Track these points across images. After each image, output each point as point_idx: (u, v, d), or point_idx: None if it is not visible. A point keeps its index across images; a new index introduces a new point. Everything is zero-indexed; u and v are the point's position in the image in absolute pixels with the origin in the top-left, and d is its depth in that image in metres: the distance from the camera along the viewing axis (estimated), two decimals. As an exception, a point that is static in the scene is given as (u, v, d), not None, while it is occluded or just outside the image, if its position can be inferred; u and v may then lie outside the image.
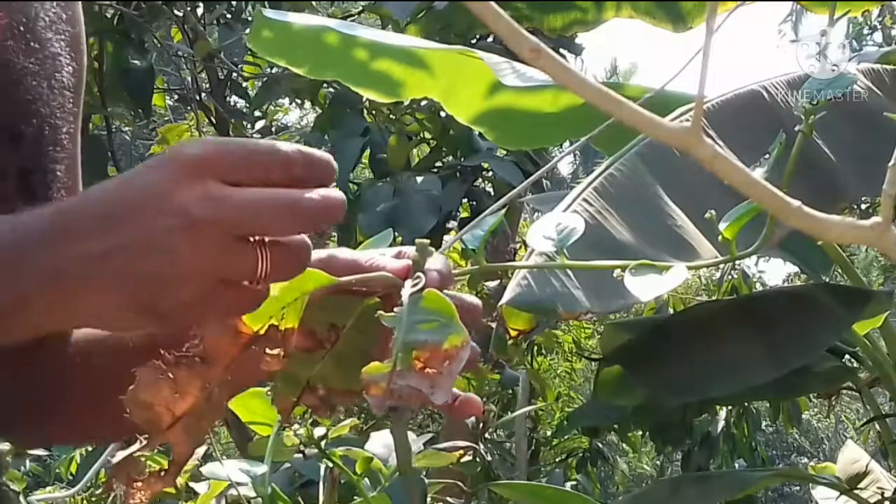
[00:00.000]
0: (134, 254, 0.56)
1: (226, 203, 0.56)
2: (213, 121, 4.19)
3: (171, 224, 0.55)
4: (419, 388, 0.63)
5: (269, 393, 0.70)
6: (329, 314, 0.68)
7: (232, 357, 0.64)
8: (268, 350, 0.64)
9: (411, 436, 0.66)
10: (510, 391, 4.02)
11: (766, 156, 0.78)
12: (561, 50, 3.86)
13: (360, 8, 4.49)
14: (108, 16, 3.65)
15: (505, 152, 3.54)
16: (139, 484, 0.63)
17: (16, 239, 0.58)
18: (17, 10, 0.78)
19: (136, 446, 0.63)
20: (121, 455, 0.63)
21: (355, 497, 1.24)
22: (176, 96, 4.52)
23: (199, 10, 4.07)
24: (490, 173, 3.72)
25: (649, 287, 0.68)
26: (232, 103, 4.47)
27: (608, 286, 1.43)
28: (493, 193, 3.71)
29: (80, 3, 0.86)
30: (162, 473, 0.63)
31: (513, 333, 1.77)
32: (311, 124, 4.12)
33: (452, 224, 3.37)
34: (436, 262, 0.67)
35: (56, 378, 0.81)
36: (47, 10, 0.81)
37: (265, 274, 0.58)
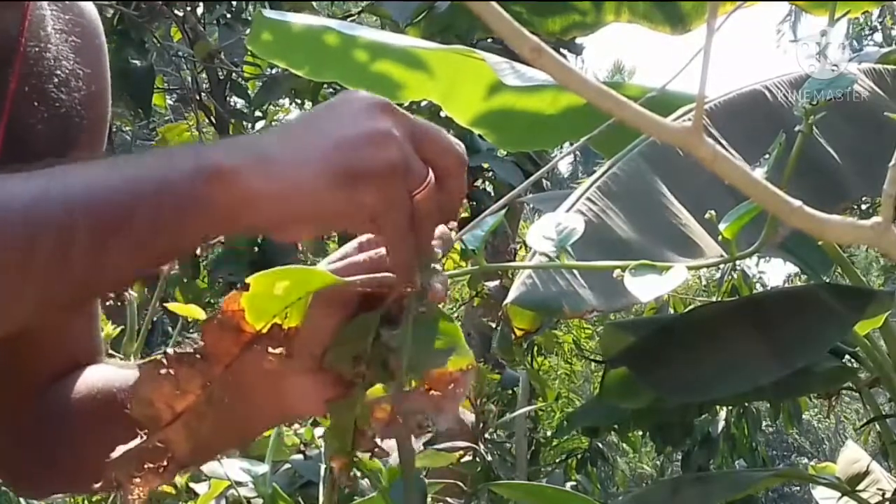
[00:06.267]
0: (333, 126, 0.61)
1: (411, 117, 0.63)
2: (213, 121, 4.19)
3: (370, 104, 0.62)
4: (424, 412, 0.62)
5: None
6: (348, 347, 0.67)
7: (233, 356, 0.63)
8: (270, 349, 0.63)
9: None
10: (510, 391, 4.02)
11: (767, 155, 0.78)
12: (561, 50, 3.86)
13: (360, 8, 4.48)
14: (108, 16, 3.65)
15: (505, 153, 3.54)
16: (137, 480, 0.63)
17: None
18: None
19: (136, 442, 0.62)
20: (120, 450, 0.62)
21: (355, 497, 1.24)
22: (176, 96, 4.52)
23: (200, 10, 4.07)
24: (490, 173, 3.72)
25: (649, 287, 0.68)
26: (232, 103, 4.46)
27: (613, 285, 1.42)
28: (493, 193, 3.71)
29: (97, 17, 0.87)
30: (160, 470, 0.63)
31: (518, 333, 1.77)
32: (312, 124, 4.10)
33: (452, 224, 3.36)
34: (437, 276, 0.67)
35: (57, 430, 0.81)
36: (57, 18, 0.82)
37: (424, 193, 0.62)
